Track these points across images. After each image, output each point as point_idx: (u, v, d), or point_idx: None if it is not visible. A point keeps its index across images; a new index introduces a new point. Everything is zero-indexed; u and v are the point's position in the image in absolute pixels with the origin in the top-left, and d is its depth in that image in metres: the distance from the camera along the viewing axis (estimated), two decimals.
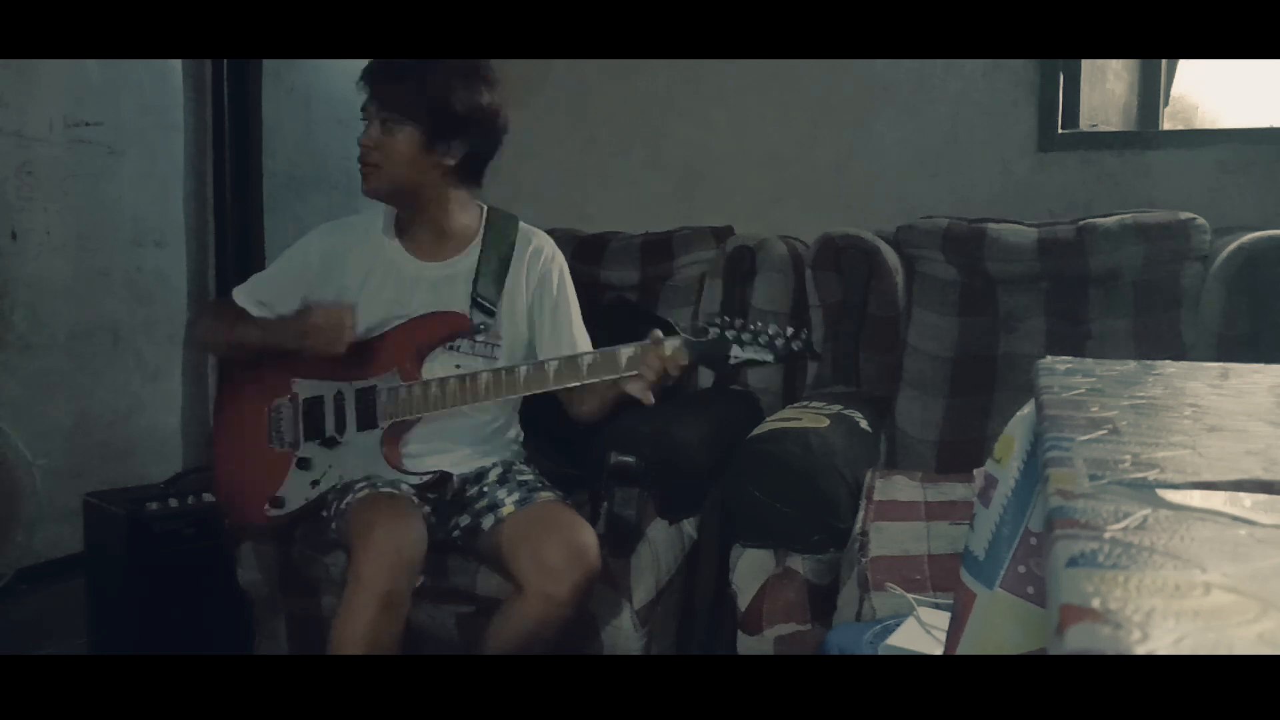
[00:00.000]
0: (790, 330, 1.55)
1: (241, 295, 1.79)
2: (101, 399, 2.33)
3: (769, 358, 1.54)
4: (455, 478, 1.74)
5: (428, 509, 1.67)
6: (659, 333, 1.58)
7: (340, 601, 1.50)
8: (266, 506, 1.72)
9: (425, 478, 1.69)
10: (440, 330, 1.71)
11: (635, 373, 1.57)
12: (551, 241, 1.85)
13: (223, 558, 1.89)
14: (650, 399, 1.59)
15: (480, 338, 1.72)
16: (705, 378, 2.16)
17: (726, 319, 1.56)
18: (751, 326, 1.54)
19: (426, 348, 1.70)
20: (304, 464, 1.72)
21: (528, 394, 1.66)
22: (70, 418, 2.26)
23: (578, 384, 1.61)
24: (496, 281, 1.75)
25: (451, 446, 1.75)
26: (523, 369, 1.63)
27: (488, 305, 1.73)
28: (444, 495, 1.72)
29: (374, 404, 1.68)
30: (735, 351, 1.53)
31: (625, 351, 1.58)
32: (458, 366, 1.71)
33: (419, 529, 1.54)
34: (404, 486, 1.67)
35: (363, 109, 1.68)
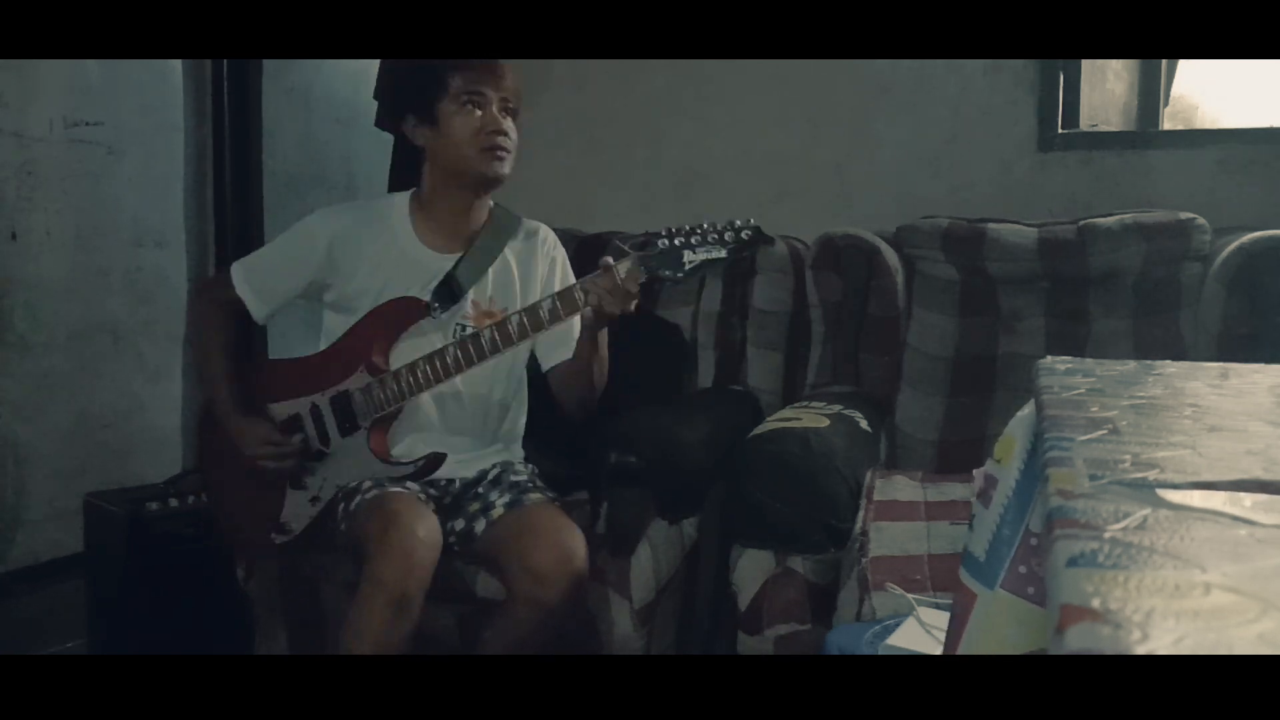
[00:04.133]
0: (736, 222, 1.52)
1: (239, 277, 1.74)
2: (101, 399, 2.33)
3: (722, 254, 1.51)
4: (456, 481, 1.73)
5: (432, 505, 1.66)
6: (609, 259, 1.53)
7: (352, 601, 1.49)
8: (273, 534, 1.71)
9: (418, 464, 1.67)
10: (397, 318, 1.68)
11: (593, 305, 1.52)
12: (552, 234, 1.87)
13: (223, 558, 1.89)
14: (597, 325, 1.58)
15: (458, 322, 1.71)
16: (705, 377, 2.16)
17: (670, 229, 1.53)
18: (698, 229, 1.51)
19: (389, 339, 1.69)
20: (298, 484, 1.71)
21: (496, 354, 1.60)
22: (70, 418, 2.26)
23: (542, 331, 1.57)
24: (480, 268, 1.73)
25: (449, 442, 1.74)
26: (486, 332, 1.60)
27: (458, 288, 1.70)
28: (445, 496, 1.71)
29: (350, 407, 1.68)
30: (689, 256, 1.51)
31: (581, 285, 1.54)
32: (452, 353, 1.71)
33: (433, 531, 1.53)
34: (409, 485, 1.66)
35: (471, 94, 1.64)
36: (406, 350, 1.68)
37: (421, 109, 1.66)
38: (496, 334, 1.59)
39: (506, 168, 1.68)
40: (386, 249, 1.72)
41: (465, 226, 1.75)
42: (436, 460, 1.69)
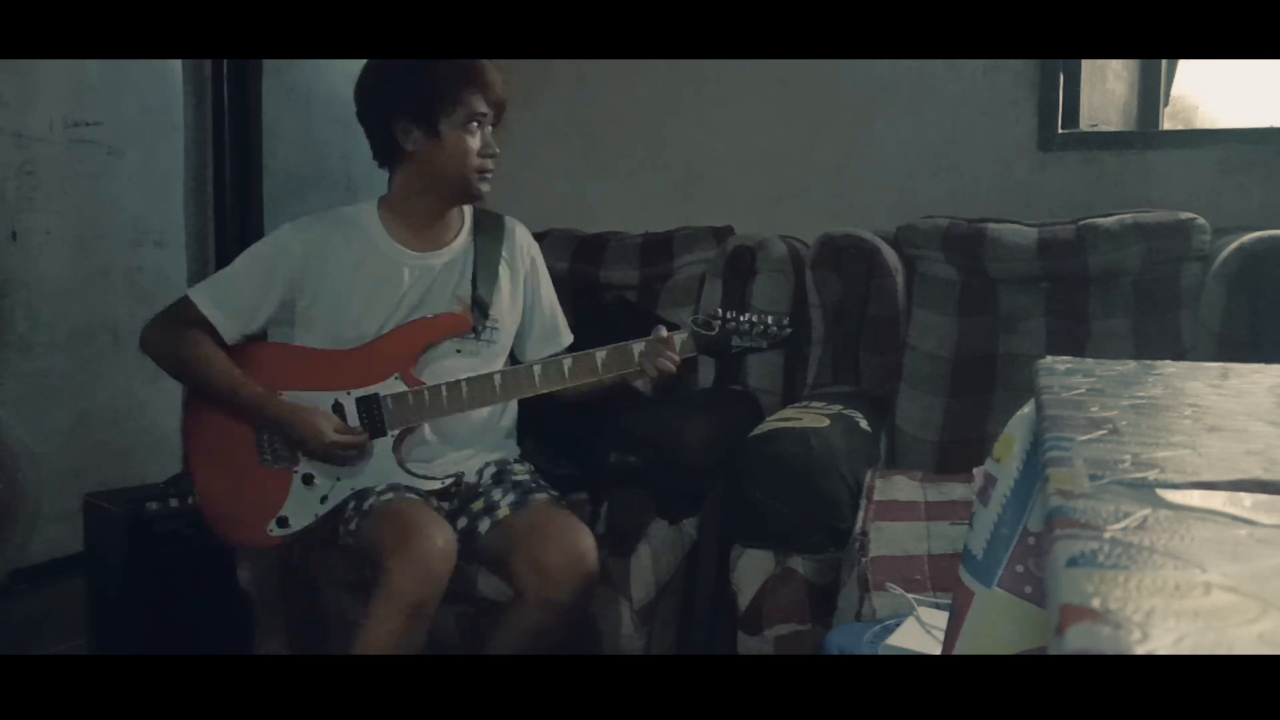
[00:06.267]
0: (782, 319, 1.70)
1: (201, 298, 1.67)
2: (101, 399, 2.33)
3: (764, 345, 1.70)
4: (461, 484, 1.73)
5: (443, 513, 1.66)
6: (663, 329, 1.65)
7: (367, 609, 1.47)
8: (271, 527, 1.68)
9: (446, 481, 1.69)
10: (441, 332, 1.70)
11: (639, 369, 1.64)
12: (525, 227, 1.88)
13: (223, 558, 1.89)
14: (649, 389, 1.70)
15: (480, 332, 1.73)
16: (705, 377, 2.16)
17: (722, 313, 1.69)
18: (751, 321, 1.68)
19: (423, 350, 1.70)
20: (308, 480, 1.68)
21: (543, 393, 1.66)
22: (70, 418, 2.25)
23: (594, 379, 1.64)
24: (492, 278, 1.75)
25: (457, 446, 1.74)
26: (537, 369, 1.65)
27: (486, 304, 1.73)
28: (455, 500, 1.71)
29: (379, 411, 1.67)
30: (735, 342, 1.68)
31: (637, 347, 1.64)
32: (459, 351, 1.71)
33: (450, 541, 1.52)
34: (423, 491, 1.66)
35: (480, 115, 1.66)
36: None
37: (422, 117, 1.64)
38: (547, 373, 1.65)
39: (489, 187, 1.71)
40: (364, 254, 1.70)
41: (443, 228, 1.76)
42: (460, 481, 1.71)
